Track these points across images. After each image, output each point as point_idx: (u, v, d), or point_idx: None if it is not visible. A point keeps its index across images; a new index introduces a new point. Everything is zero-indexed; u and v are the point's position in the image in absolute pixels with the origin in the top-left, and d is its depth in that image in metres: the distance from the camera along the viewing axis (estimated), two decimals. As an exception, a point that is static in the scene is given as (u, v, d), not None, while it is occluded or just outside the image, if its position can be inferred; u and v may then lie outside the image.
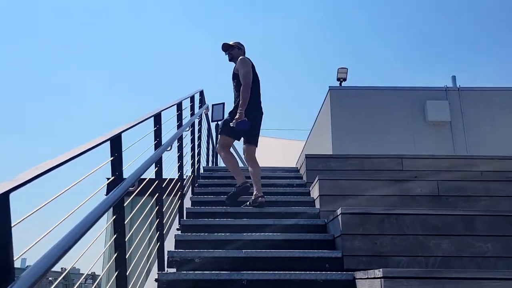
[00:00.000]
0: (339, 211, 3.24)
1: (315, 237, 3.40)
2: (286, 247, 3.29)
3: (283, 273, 2.77)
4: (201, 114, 5.46)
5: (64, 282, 17.88)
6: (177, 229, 3.79)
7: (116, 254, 2.12)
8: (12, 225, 1.15)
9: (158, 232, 3.03)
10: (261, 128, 4.43)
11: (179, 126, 3.87)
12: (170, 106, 3.38)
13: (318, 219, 3.81)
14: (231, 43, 4.56)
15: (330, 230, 3.51)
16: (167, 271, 3.01)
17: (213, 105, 6.50)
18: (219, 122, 6.74)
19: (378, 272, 2.32)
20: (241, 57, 4.41)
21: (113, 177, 2.06)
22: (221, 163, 8.93)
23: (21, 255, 1.27)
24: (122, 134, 2.18)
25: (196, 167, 5.02)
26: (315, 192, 4.21)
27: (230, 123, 4.17)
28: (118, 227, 2.10)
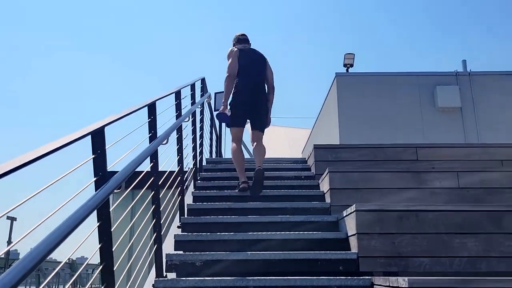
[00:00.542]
0: (353, 208, 2.94)
1: (326, 235, 3.10)
2: (296, 247, 3.00)
3: (293, 279, 2.48)
4: (203, 103, 5.14)
5: (71, 272, 17.81)
6: (178, 227, 3.50)
7: (102, 265, 1.83)
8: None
9: (155, 234, 2.74)
10: (268, 112, 4.33)
11: (178, 116, 3.57)
12: (167, 95, 3.07)
13: (329, 215, 3.51)
14: None
15: (343, 227, 3.21)
16: (166, 276, 2.73)
17: (216, 93, 6.17)
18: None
19: (403, 282, 2.02)
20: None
21: (96, 178, 1.76)
22: (226, 155, 8.66)
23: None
24: (114, 127, 1.89)
25: (198, 159, 4.72)
26: (325, 185, 3.91)
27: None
28: (104, 235, 1.81)
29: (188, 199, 3.93)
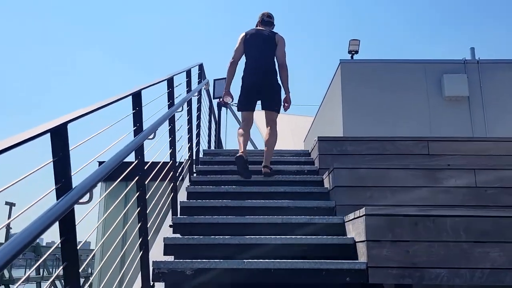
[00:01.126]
0: (362, 211, 2.61)
1: (331, 240, 2.78)
2: (297, 254, 2.68)
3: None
4: (201, 91, 4.79)
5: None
6: (170, 226, 3.19)
7: (67, 289, 1.51)
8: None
9: (141, 239, 2.43)
10: (286, 91, 4.27)
11: (171, 106, 3.23)
12: (156, 83, 2.72)
13: (334, 216, 3.18)
14: None
15: (350, 231, 2.89)
16: (153, 285, 2.42)
17: (215, 80, 5.80)
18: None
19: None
20: None
21: (57, 186, 1.43)
22: (227, 146, 8.35)
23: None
24: (99, 121, 1.55)
25: (194, 151, 4.39)
26: (330, 182, 3.57)
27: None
28: (68, 255, 1.48)
29: (182, 196, 3.61)
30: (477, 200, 3.32)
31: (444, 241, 2.48)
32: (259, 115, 4.54)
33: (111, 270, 2.19)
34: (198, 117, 4.69)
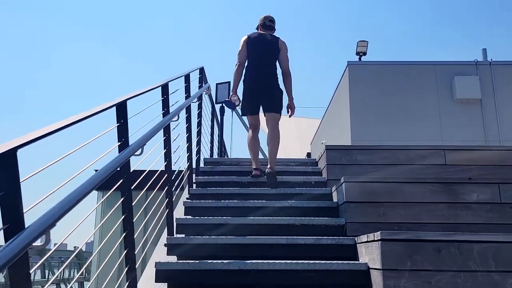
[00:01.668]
0: (377, 236, 2.30)
1: (343, 266, 2.46)
2: (304, 281, 2.38)
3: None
4: (201, 96, 4.50)
5: (77, 261, 17.45)
6: (165, 245, 2.89)
7: None
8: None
9: (127, 267, 2.14)
10: (289, 98, 4.19)
11: (165, 114, 2.93)
12: (147, 91, 2.42)
13: (344, 237, 2.86)
14: None
15: (363, 255, 2.58)
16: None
17: (217, 84, 5.51)
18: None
19: None
20: None
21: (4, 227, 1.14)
22: (232, 154, 8.04)
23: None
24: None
25: (194, 160, 4.10)
26: (339, 196, 3.26)
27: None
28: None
29: (179, 211, 3.32)
30: (502, 217, 2.99)
31: (471, 270, 2.16)
32: (263, 119, 4.35)
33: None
34: (199, 124, 4.40)
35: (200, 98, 4.44)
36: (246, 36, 4.26)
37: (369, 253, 2.44)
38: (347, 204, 3.07)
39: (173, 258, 2.77)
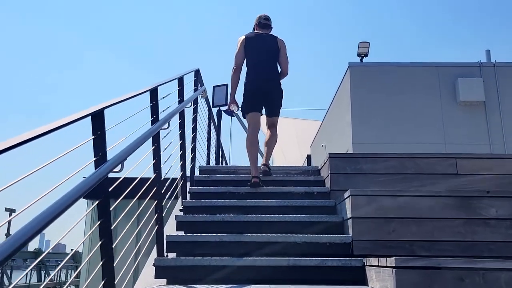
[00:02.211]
0: (390, 262, 2.01)
1: (351, 293, 2.18)
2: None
3: None
4: (197, 100, 4.21)
5: (75, 263, 17.14)
6: (153, 265, 2.61)
7: None
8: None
9: (104, 280, 1.86)
10: (276, 98, 4.02)
11: (154, 121, 2.65)
12: (130, 97, 2.13)
13: (352, 258, 2.57)
14: None
15: (373, 280, 2.29)
16: None
17: (214, 87, 5.22)
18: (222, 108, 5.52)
19: None
20: None
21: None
22: (231, 161, 7.74)
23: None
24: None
25: (189, 168, 3.81)
26: (345, 211, 2.98)
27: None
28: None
29: (171, 226, 3.03)
30: (523, 235, 2.71)
31: (498, 303, 1.88)
32: (262, 119, 4.18)
33: None
34: (194, 129, 4.11)
35: (195, 102, 4.15)
36: (243, 37, 4.07)
37: (381, 280, 2.15)
38: (354, 219, 2.78)
39: (162, 281, 2.49)
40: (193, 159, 3.98)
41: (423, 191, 2.91)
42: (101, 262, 1.85)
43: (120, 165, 1.82)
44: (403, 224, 2.74)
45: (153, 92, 2.62)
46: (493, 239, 2.71)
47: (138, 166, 2.51)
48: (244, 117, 4.10)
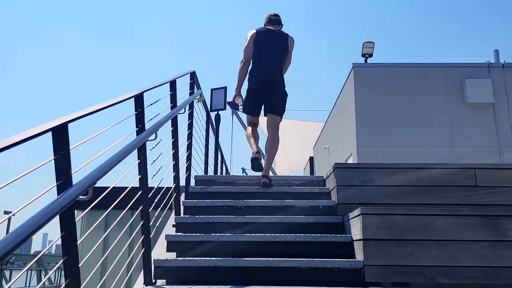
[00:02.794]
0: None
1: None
2: None
3: None
4: (192, 104, 3.87)
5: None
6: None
7: None
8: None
9: None
10: (279, 96, 3.87)
11: (140, 131, 2.32)
12: (95, 111, 1.78)
13: (363, 285, 2.24)
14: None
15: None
16: None
17: (212, 90, 4.89)
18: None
19: None
20: None
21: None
22: (233, 170, 7.37)
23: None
24: None
25: (184, 179, 3.49)
26: (355, 231, 2.64)
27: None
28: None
29: (160, 247, 2.71)
30: (558, 260, 2.37)
31: None
32: (263, 118, 4.05)
33: None
34: (190, 136, 3.78)
35: (191, 107, 3.83)
36: (254, 31, 3.96)
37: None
38: (365, 242, 2.44)
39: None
40: (188, 168, 3.66)
41: (443, 209, 2.57)
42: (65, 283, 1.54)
43: (87, 191, 1.49)
44: (422, 247, 2.41)
45: (139, 99, 2.29)
46: (523, 265, 2.37)
47: (128, 176, 2.21)
48: (244, 112, 4.04)
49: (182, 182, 3.52)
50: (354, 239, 2.65)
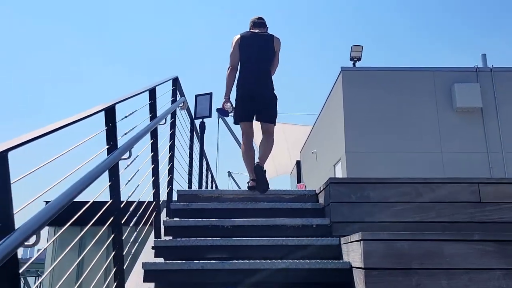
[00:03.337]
0: None
1: None
2: None
3: None
4: (175, 113, 3.55)
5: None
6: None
7: None
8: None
9: None
10: (269, 102, 3.79)
11: (112, 149, 2.00)
12: (61, 127, 1.46)
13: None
14: None
15: None
16: None
17: (196, 96, 4.56)
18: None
19: None
20: None
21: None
22: (220, 184, 7.04)
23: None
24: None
25: (165, 195, 3.17)
26: (354, 258, 2.36)
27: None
28: None
29: (136, 276, 2.39)
30: None
31: None
32: (256, 127, 3.90)
33: None
34: (172, 148, 3.46)
35: (173, 116, 3.51)
36: (238, 36, 3.84)
37: None
38: (367, 271, 2.16)
39: None
40: (170, 182, 3.34)
41: (452, 234, 2.30)
42: None
43: (34, 237, 1.17)
44: (430, 278, 2.13)
45: (109, 112, 1.97)
46: (541, 296, 2.12)
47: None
48: (236, 123, 3.90)
49: (164, 197, 3.20)
50: (353, 265, 2.37)
